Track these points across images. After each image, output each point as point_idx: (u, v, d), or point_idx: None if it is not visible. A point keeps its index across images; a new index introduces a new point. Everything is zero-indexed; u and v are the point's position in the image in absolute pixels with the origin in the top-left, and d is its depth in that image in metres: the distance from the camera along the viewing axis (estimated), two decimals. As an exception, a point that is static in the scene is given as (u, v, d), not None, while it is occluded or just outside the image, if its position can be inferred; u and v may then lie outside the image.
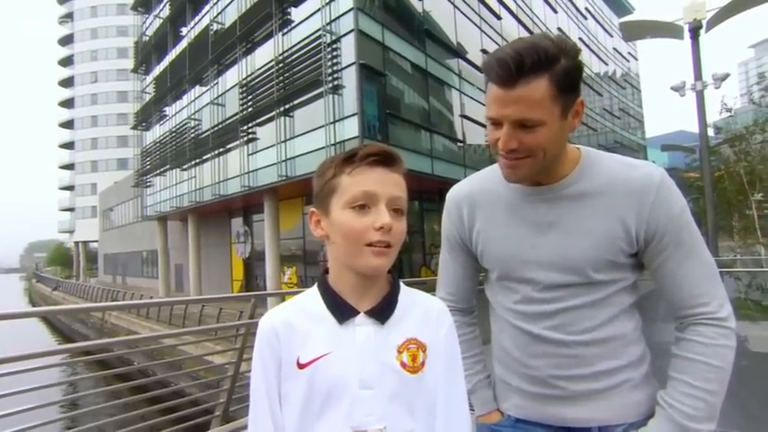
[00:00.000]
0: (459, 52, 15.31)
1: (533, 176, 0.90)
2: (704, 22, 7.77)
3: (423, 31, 13.77)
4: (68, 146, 54.16)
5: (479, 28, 16.50)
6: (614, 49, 32.30)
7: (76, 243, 49.81)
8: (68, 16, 54.63)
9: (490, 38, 16.99)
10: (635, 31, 7.92)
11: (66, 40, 55.04)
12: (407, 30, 13.16)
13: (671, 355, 0.89)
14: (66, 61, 54.87)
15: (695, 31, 7.27)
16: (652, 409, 0.89)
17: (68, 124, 53.87)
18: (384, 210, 0.71)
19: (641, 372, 0.93)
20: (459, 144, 15.16)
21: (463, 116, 14.95)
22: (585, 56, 27.09)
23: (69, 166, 54.20)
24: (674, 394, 0.85)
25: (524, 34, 19.91)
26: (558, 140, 0.85)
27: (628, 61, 35.47)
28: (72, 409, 4.89)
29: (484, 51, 16.25)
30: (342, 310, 0.74)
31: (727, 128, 15.01)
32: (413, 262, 14.70)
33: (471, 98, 15.53)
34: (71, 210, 53.47)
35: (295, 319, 0.75)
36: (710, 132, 12.04)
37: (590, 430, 0.92)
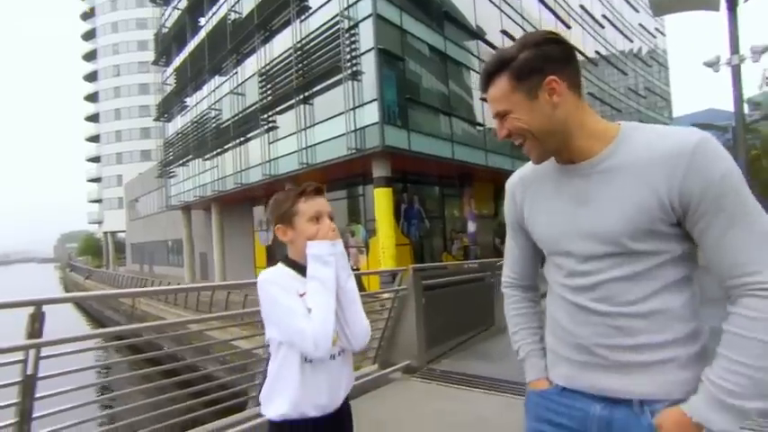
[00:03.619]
0: (478, 34, 15.02)
1: (556, 154, 0.99)
2: (742, -8, 7.39)
3: (441, 14, 13.54)
4: (94, 139, 55.45)
5: (499, 8, 16.12)
6: (640, 25, 31.19)
7: (105, 233, 51.36)
8: (91, 11, 55.49)
9: (510, 18, 16.60)
10: (665, 5, 7.59)
11: (89, 35, 55.99)
12: (426, 13, 12.95)
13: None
14: (90, 56, 55.89)
15: (733, 0, 6.93)
16: None
17: (94, 118, 55.06)
18: (328, 220, 1.28)
19: (691, 350, 0.90)
20: (479, 127, 14.97)
21: (483, 99, 14.69)
22: (609, 34, 26.25)
23: (96, 159, 55.58)
24: (717, 370, 0.83)
25: (545, 13, 19.41)
26: (538, 118, 0.94)
27: (654, 37, 34.23)
28: (107, 391, 5.10)
29: (504, 33, 15.90)
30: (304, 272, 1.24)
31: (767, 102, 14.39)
32: (434, 248, 14.69)
33: (492, 81, 15.24)
34: (99, 201, 54.99)
35: (285, 275, 1.27)
36: (746, 109, 11.56)
37: (631, 402, 0.91)
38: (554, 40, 0.94)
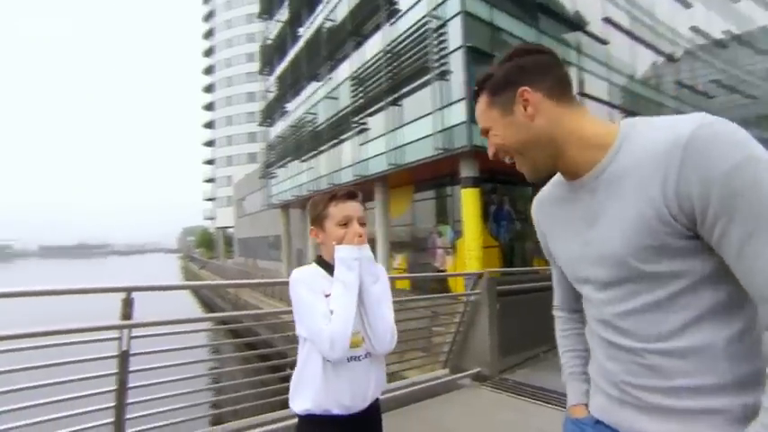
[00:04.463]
0: (577, 24, 14.00)
1: (551, 169, 0.91)
2: None
3: (535, 6, 12.86)
4: (210, 144, 62.08)
5: (602, -6, 14.87)
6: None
7: (217, 228, 57.14)
8: (210, 32, 62.27)
9: (614, 4, 15.21)
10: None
11: (208, 52, 62.86)
12: (518, 6, 12.40)
13: None
14: (209, 70, 62.72)
15: None
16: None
17: (210, 125, 61.70)
18: (357, 225, 1.31)
19: (748, 400, 0.71)
20: (577, 125, 13.94)
21: (582, 94, 13.69)
22: (745, 7, 22.73)
23: (211, 162, 62.17)
24: (757, 426, 0.66)
25: (659, -5, 17.43)
26: (513, 133, 0.89)
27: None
28: (210, 367, 5.68)
29: (608, 21, 14.63)
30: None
31: None
32: (525, 251, 14.01)
33: (592, 74, 14.12)
34: (212, 199, 61.42)
35: (316, 274, 1.33)
36: None
37: None
38: (531, 51, 0.90)
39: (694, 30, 19.19)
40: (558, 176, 0.98)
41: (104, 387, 2.11)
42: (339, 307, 1.21)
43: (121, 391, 2.10)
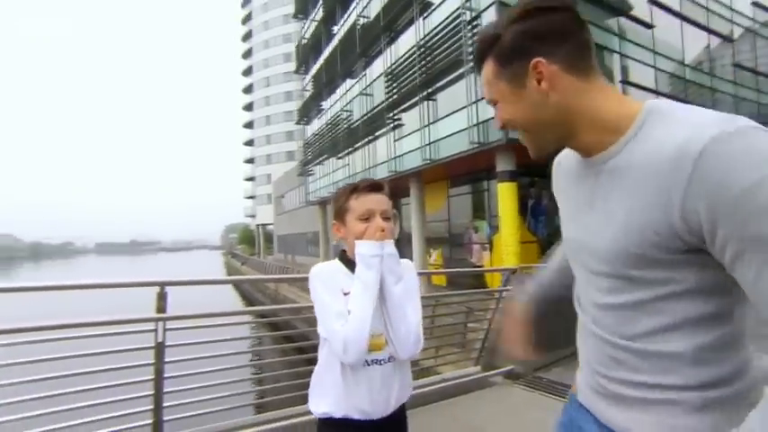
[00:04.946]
0: (620, 9, 13.35)
1: (561, 149, 0.87)
2: None
3: (575, -9, 12.37)
4: (250, 143, 63.93)
5: (649, -25, 14.11)
6: None
7: (257, 226, 58.82)
8: (248, 33, 64.00)
9: (663, -15, 14.38)
10: None
11: (247, 54, 64.66)
12: (557, -8, 11.96)
13: None
14: (247, 72, 64.54)
15: None
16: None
17: (249, 125, 63.53)
18: (380, 219, 1.21)
19: (712, 395, 0.70)
20: (620, 114, 13.33)
21: (625, 82, 13.06)
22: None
23: (251, 161, 64.02)
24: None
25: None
26: (525, 109, 0.78)
27: None
28: (252, 360, 5.88)
29: (654, 2, 13.87)
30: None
31: None
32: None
33: (636, 60, 13.42)
34: (252, 197, 63.28)
35: (337, 271, 1.27)
36: None
37: None
38: (546, 9, 0.75)
39: (756, 5, 17.82)
40: (566, 161, 0.92)
41: (143, 376, 2.22)
42: (356, 307, 1.13)
43: (158, 380, 2.20)
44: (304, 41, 27.05)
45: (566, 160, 0.92)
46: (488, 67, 0.82)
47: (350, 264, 1.23)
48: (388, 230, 1.21)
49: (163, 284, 2.09)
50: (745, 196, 0.58)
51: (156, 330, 2.11)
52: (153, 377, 2.18)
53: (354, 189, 1.24)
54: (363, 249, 1.17)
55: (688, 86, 15.27)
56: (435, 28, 12.93)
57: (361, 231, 1.20)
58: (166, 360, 2.18)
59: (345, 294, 1.18)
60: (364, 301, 1.13)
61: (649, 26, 13.74)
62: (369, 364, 1.18)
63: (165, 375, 2.20)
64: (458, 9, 11.81)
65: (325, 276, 1.23)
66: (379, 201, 1.23)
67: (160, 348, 2.14)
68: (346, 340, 1.10)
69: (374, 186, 1.24)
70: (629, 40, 13.39)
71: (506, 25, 0.78)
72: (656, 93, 13.89)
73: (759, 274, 0.59)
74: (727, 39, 16.77)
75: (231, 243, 79.34)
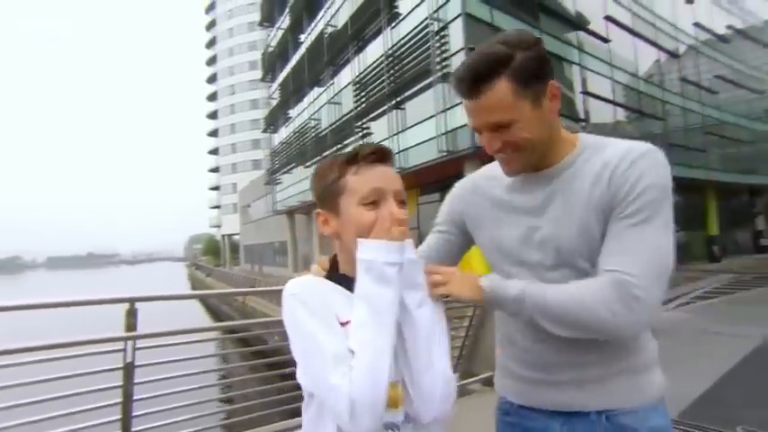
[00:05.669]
0: (578, 24, 13.95)
1: (531, 165, 0.93)
2: None
3: (535, 5, 12.84)
4: (215, 152, 62.48)
5: (603, -8, 14.82)
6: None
7: (223, 236, 57.36)
8: (213, 40, 62.82)
9: (616, 2, 15.15)
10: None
11: (211, 61, 63.40)
12: (519, 6, 12.38)
13: None
14: (212, 79, 63.22)
15: None
16: (658, 394, 0.92)
17: (214, 133, 62.14)
18: (394, 204, 0.80)
19: (644, 358, 0.92)
20: (581, 123, 13.87)
21: (585, 93, 13.63)
22: (750, 2, 22.59)
23: (215, 170, 62.52)
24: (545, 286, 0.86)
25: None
26: (541, 128, 0.87)
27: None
28: (218, 378, 5.66)
29: (609, 18, 14.57)
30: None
31: None
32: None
33: (594, 72, 14.05)
34: (218, 207, 61.72)
35: (322, 287, 0.86)
36: None
37: (588, 414, 0.91)
38: (539, 41, 0.87)
39: (697, 25, 19.06)
40: (491, 170, 1.03)
41: (111, 400, 2.08)
42: (364, 345, 0.73)
43: (127, 403, 2.07)
44: (270, 49, 26.77)
45: (482, 187, 1.04)
46: (503, 86, 0.82)
47: (345, 279, 0.83)
48: (407, 223, 0.80)
49: (132, 300, 1.97)
50: (648, 189, 0.82)
51: (124, 350, 1.99)
52: (121, 400, 2.05)
53: (353, 159, 0.81)
54: (373, 253, 0.76)
55: (642, 98, 16.09)
56: (403, 38, 13.09)
57: (367, 223, 0.78)
58: (136, 381, 2.06)
59: (343, 325, 0.77)
60: (376, 332, 0.74)
61: (605, 40, 14.41)
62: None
63: (135, 398, 2.08)
64: (425, 20, 12.00)
65: (310, 298, 0.79)
66: (391, 176, 0.82)
67: (129, 369, 2.01)
68: (355, 400, 0.69)
69: (382, 155, 0.82)
70: (588, 53, 14.01)
71: (512, 48, 0.83)
72: (614, 103, 14.56)
73: (627, 229, 0.83)
74: (674, 54, 17.82)
75: (195, 254, 77.00)
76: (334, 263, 0.90)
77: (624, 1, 15.47)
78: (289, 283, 0.82)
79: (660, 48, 17.08)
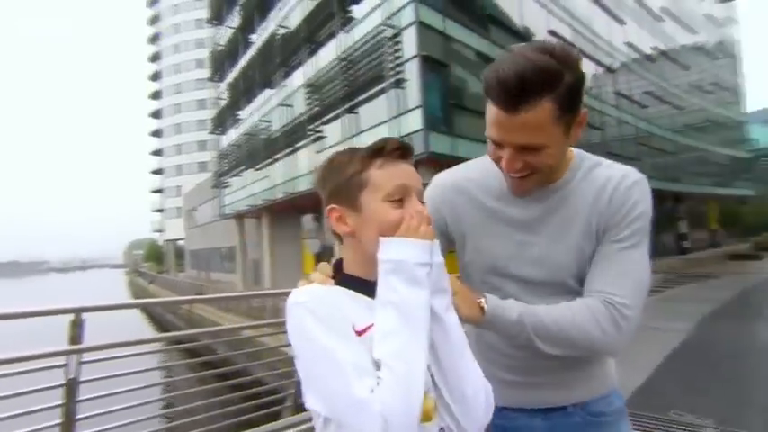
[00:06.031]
0: (525, 36, 14.62)
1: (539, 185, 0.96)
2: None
3: (485, 17, 13.32)
4: (158, 153, 59.42)
5: (545, 7, 15.63)
6: (706, 15, 29.15)
7: (166, 241, 54.59)
8: (156, 36, 59.82)
9: (557, 17, 16.04)
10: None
11: (155, 58, 60.31)
12: (470, 17, 12.79)
13: None
14: (155, 76, 60.14)
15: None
16: (615, 381, 1.03)
17: (158, 133, 59.11)
18: (419, 203, 0.76)
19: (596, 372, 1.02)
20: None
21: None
22: (669, 27, 24.69)
23: (159, 171, 59.46)
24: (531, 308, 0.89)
25: (595, 10, 18.58)
26: (563, 154, 0.89)
27: (723, 27, 31.86)
28: (167, 391, 5.37)
29: (552, 33, 15.39)
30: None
31: None
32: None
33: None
34: (161, 211, 58.68)
35: (335, 295, 0.76)
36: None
37: (565, 408, 0.99)
38: (581, 62, 0.84)
39: (628, 44, 20.57)
40: (470, 170, 1.02)
41: (50, 421, 1.91)
42: (396, 355, 0.65)
43: (68, 423, 1.92)
44: (219, 48, 25.90)
45: (467, 183, 1.01)
46: (547, 107, 0.76)
47: (357, 282, 0.76)
48: (432, 224, 0.76)
49: (79, 311, 1.83)
50: (636, 218, 0.89)
51: (67, 365, 1.84)
52: (62, 420, 1.89)
53: (378, 152, 0.75)
54: (403, 252, 0.70)
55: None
56: (357, 42, 13.13)
57: (393, 221, 0.73)
58: (80, 398, 1.91)
59: (360, 334, 0.70)
60: (410, 341, 0.66)
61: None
62: None
63: (78, 416, 1.93)
64: (379, 25, 12.11)
65: (319, 305, 0.70)
66: (414, 174, 0.78)
67: (72, 386, 1.86)
68: (387, 414, 0.61)
69: (407, 151, 0.77)
70: (533, 65, 14.68)
71: (568, 66, 0.77)
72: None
73: (612, 253, 0.89)
74: (610, 69, 19.14)
75: (136, 260, 72.62)
76: (339, 263, 0.81)
77: (565, 17, 16.41)
78: (293, 293, 0.74)
79: (598, 62, 18.25)
